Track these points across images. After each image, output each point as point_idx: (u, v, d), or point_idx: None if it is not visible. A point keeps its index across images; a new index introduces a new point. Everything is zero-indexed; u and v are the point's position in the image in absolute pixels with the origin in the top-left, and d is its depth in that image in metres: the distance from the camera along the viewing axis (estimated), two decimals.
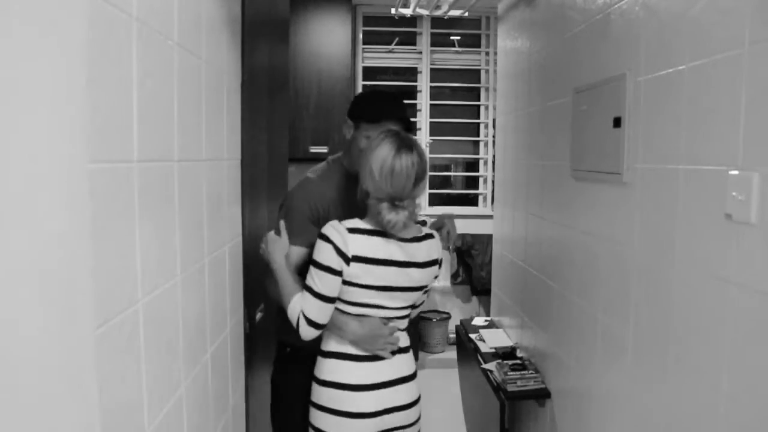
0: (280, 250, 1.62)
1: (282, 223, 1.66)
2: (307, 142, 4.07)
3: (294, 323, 1.52)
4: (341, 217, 1.58)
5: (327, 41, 4.05)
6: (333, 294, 1.51)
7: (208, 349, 1.35)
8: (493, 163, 3.79)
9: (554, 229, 2.27)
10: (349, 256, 1.48)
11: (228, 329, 1.54)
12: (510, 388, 2.27)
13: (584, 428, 1.97)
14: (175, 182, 1.12)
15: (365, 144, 1.64)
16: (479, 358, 2.65)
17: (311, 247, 1.57)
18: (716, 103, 1.26)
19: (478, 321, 3.22)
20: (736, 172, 1.18)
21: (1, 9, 0.61)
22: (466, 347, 2.92)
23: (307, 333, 1.52)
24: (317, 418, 1.58)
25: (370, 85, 4.53)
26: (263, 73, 1.90)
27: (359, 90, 4.49)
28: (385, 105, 1.75)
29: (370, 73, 4.56)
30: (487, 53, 4.54)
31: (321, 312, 1.51)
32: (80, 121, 0.76)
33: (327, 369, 1.57)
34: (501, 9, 3.22)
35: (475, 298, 4.58)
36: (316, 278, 1.50)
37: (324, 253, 1.49)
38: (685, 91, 1.37)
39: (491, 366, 2.49)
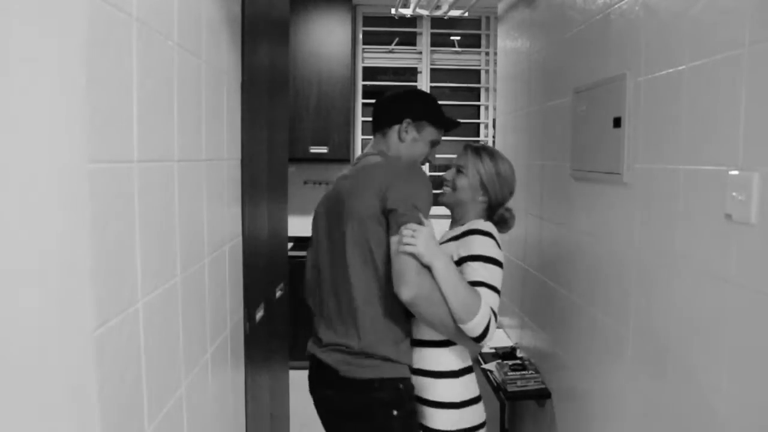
0: (432, 239, 1.40)
1: (421, 216, 1.43)
2: (307, 142, 4.07)
3: (483, 327, 1.40)
4: None
5: (327, 41, 4.05)
6: None
7: (208, 349, 1.35)
8: None
9: (554, 229, 2.27)
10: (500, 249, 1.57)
11: (228, 329, 1.54)
12: (510, 388, 2.27)
13: (584, 428, 1.97)
14: (175, 182, 1.12)
15: (425, 149, 1.68)
16: (479, 358, 2.65)
17: None
18: (716, 103, 1.26)
19: None
20: (736, 172, 1.18)
21: (1, 9, 0.61)
22: None
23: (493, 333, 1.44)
24: (468, 416, 1.53)
25: (370, 86, 4.53)
26: (263, 73, 1.89)
27: (359, 90, 4.49)
28: (446, 114, 1.73)
29: (370, 73, 4.56)
30: (487, 53, 4.54)
31: None
32: (80, 121, 0.76)
33: (452, 359, 1.55)
34: (501, 9, 3.22)
35: None
36: (496, 275, 1.49)
37: (496, 249, 1.54)
38: (685, 91, 1.37)
39: (491, 366, 2.49)
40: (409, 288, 1.36)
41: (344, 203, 1.53)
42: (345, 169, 1.70)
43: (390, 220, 1.44)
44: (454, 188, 1.71)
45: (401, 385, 1.49)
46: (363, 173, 1.57)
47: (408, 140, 1.65)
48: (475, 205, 1.70)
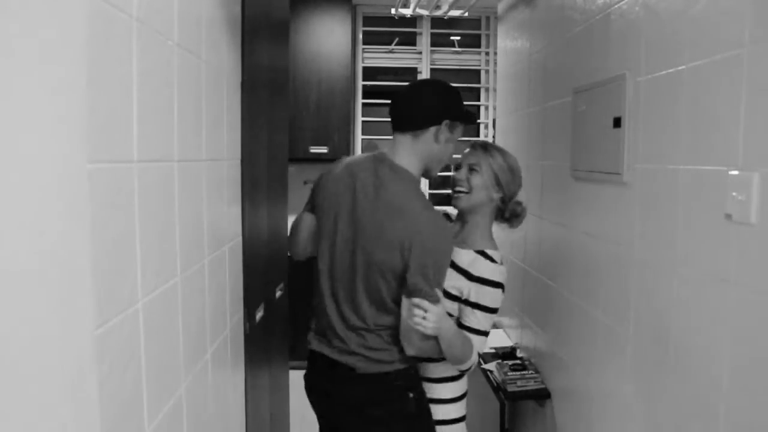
0: (441, 316, 1.47)
1: (436, 291, 1.48)
2: (307, 142, 4.07)
3: (467, 368, 1.61)
4: None
5: (327, 41, 4.05)
6: None
7: (208, 349, 1.35)
8: None
9: (554, 229, 2.27)
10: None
11: (228, 329, 1.54)
12: (510, 388, 2.27)
13: (584, 428, 1.97)
14: (175, 182, 1.12)
15: (454, 149, 1.63)
16: (479, 358, 2.64)
17: None
18: (716, 103, 1.26)
19: None
20: (736, 172, 1.18)
21: (1, 9, 0.61)
22: None
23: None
24: (458, 387, 1.73)
25: (370, 86, 4.52)
26: (263, 73, 1.89)
27: (359, 90, 4.48)
28: None
29: (370, 73, 4.56)
30: (487, 53, 4.54)
31: None
32: (80, 122, 0.76)
33: (459, 386, 1.73)
34: (501, 9, 3.22)
35: None
36: (489, 321, 1.64)
37: (500, 296, 1.64)
38: (685, 91, 1.37)
39: (491, 366, 2.49)
40: (413, 349, 1.52)
41: (359, 218, 1.53)
42: (359, 159, 1.63)
43: (406, 285, 1.48)
44: (470, 189, 1.69)
45: (413, 371, 1.63)
46: (386, 198, 1.51)
47: (443, 141, 1.56)
48: (490, 204, 1.72)
